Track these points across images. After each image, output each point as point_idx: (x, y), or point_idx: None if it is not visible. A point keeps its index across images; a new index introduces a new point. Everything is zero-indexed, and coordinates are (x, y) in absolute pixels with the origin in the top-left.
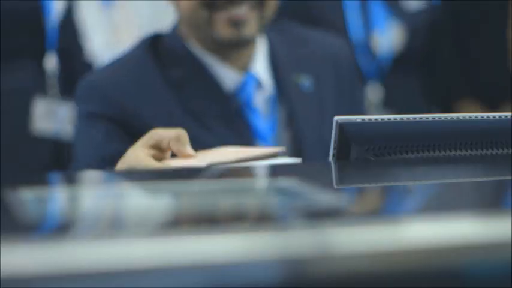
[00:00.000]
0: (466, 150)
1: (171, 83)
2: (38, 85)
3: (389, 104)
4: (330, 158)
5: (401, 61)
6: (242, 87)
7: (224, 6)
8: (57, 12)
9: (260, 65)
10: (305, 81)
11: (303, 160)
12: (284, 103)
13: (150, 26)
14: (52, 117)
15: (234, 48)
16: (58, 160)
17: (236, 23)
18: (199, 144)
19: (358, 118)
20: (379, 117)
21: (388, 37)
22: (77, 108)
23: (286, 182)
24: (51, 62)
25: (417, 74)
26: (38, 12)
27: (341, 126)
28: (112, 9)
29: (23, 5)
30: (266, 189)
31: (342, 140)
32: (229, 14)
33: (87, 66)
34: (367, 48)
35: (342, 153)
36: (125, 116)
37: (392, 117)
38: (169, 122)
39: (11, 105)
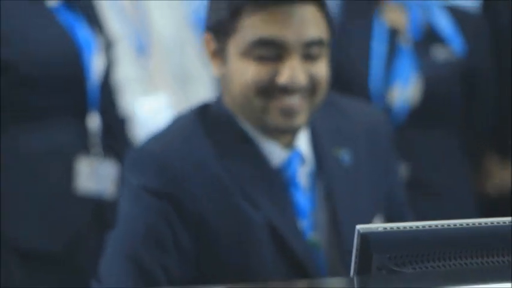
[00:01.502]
0: (493, 257)
1: (220, 157)
2: (81, 144)
3: (405, 157)
4: (352, 272)
5: (421, 113)
6: (288, 163)
7: (278, 95)
8: (97, 70)
9: (303, 140)
10: (344, 155)
11: (339, 239)
12: (323, 178)
13: (183, 73)
14: (95, 176)
15: (284, 133)
16: (101, 219)
17: (289, 113)
18: (246, 221)
19: (379, 227)
20: (401, 225)
21: (408, 89)
22: (126, 178)
23: None
24: (93, 121)
25: (440, 126)
26: (79, 70)
27: (363, 236)
28: (146, 58)
29: (64, 63)
30: None
31: (363, 249)
32: (283, 103)
33: (126, 122)
34: (384, 100)
35: (363, 262)
36: (176, 191)
37: (414, 224)
38: (219, 198)
39: (54, 164)
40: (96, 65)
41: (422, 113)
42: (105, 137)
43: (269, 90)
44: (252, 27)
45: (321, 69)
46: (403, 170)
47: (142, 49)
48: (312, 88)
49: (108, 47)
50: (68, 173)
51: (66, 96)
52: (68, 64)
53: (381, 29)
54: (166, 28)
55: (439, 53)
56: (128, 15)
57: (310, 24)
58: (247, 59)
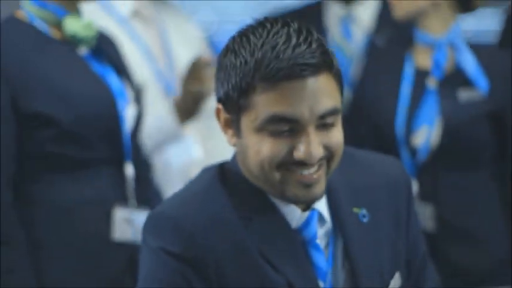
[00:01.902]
0: None
1: (240, 219)
2: (117, 193)
3: (426, 198)
4: None
5: (449, 154)
6: (306, 224)
7: (296, 169)
8: (130, 119)
9: (321, 200)
10: (363, 214)
11: None
12: (342, 237)
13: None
14: (130, 225)
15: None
16: (136, 268)
17: (308, 184)
18: (267, 283)
19: None
20: None
21: (433, 130)
22: (146, 241)
23: None
24: (128, 171)
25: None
26: (115, 120)
27: None
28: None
29: (102, 113)
30: None
31: None
32: (301, 176)
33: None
34: (407, 143)
35: None
36: (196, 254)
37: None
38: (239, 260)
39: (91, 214)
40: (129, 114)
41: (450, 154)
42: (138, 186)
43: (286, 164)
44: (265, 105)
45: (336, 136)
46: (430, 213)
47: (170, 89)
48: (328, 156)
49: (138, 94)
50: (104, 222)
51: (103, 146)
52: (105, 114)
53: (409, 71)
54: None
55: (465, 93)
56: (155, 56)
57: (324, 96)
58: (261, 134)
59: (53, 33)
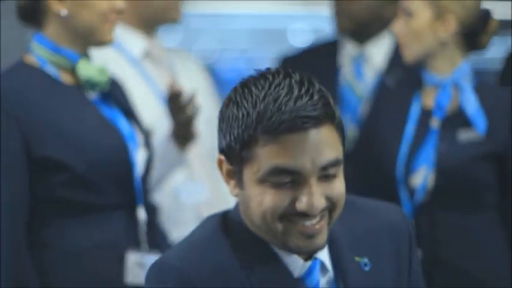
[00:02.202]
0: None
1: (243, 268)
2: (129, 238)
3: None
4: None
5: (440, 196)
6: (309, 273)
7: (298, 220)
8: (140, 163)
9: (323, 249)
10: (364, 262)
11: None
12: (344, 285)
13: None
14: (143, 269)
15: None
16: None
17: (310, 235)
18: None
19: None
20: None
21: (430, 172)
22: None
23: None
24: (141, 215)
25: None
26: (127, 164)
27: None
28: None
29: (114, 158)
30: None
31: None
32: (304, 227)
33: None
34: (406, 183)
35: None
36: None
37: None
38: None
39: (103, 258)
40: (139, 158)
41: (448, 195)
42: (149, 230)
43: (288, 215)
44: (267, 157)
45: (338, 186)
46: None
47: None
48: (330, 207)
49: (147, 138)
50: (116, 266)
51: (115, 191)
52: (117, 160)
53: (415, 111)
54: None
55: (465, 134)
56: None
57: (325, 147)
58: (264, 185)
59: (63, 77)
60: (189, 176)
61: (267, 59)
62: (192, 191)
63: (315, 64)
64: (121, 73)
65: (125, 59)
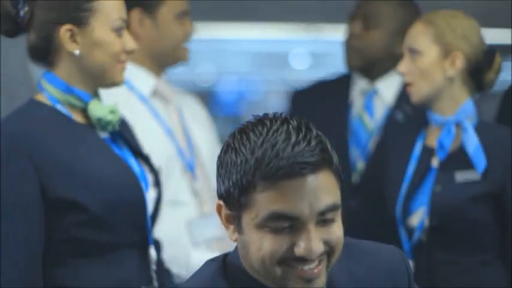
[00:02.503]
0: None
1: None
2: (141, 277)
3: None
4: None
5: (437, 236)
6: None
7: (297, 264)
8: (151, 204)
9: None
10: None
11: None
12: None
13: None
14: None
15: None
16: None
17: (309, 279)
18: None
19: None
20: None
21: (427, 212)
22: None
23: None
24: (152, 254)
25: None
26: (141, 204)
27: None
28: (194, 178)
29: (129, 197)
30: None
31: None
32: (302, 272)
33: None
34: (404, 222)
35: None
36: None
37: None
38: None
39: None
40: (150, 197)
41: (445, 235)
42: (159, 269)
43: (287, 260)
44: (265, 202)
45: (336, 231)
46: None
47: (190, 168)
48: (329, 251)
49: (156, 177)
50: None
51: (128, 230)
52: (131, 199)
53: (418, 150)
54: (205, 149)
55: (463, 174)
56: (175, 135)
57: (323, 193)
58: (262, 231)
59: (75, 117)
60: (200, 211)
61: (267, 82)
62: (204, 227)
63: (326, 99)
64: (132, 111)
65: (135, 97)
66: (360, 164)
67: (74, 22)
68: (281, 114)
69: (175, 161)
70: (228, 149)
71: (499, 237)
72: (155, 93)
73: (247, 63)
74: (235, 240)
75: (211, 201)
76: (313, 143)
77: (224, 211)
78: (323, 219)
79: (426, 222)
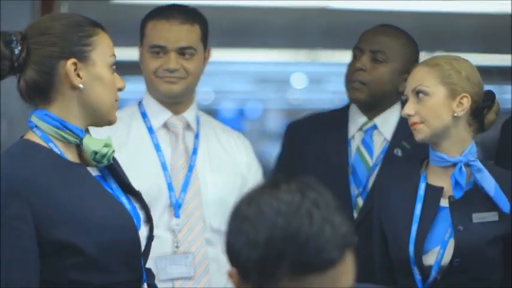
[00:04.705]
0: None
1: None
2: None
3: None
4: None
5: (452, 276)
6: None
7: None
8: (143, 242)
9: None
10: None
11: None
12: None
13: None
14: None
15: None
16: None
17: None
18: None
19: None
20: None
21: (443, 252)
22: None
23: None
24: None
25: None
26: (136, 242)
27: None
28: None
29: (122, 239)
30: None
31: None
32: None
33: None
34: (419, 263)
35: None
36: None
37: None
38: None
39: None
40: (142, 235)
41: (460, 275)
42: None
43: None
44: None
45: None
46: None
47: (175, 205)
48: None
49: (147, 214)
50: None
51: (124, 270)
52: (127, 239)
53: (423, 189)
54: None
55: (479, 214)
56: (169, 171)
57: (346, 278)
58: None
59: (67, 155)
60: (173, 249)
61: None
62: (171, 265)
63: (324, 133)
64: (138, 141)
65: (145, 126)
66: (359, 201)
67: (77, 56)
68: (292, 180)
69: (162, 196)
70: (244, 220)
71: (506, 279)
72: (164, 125)
73: (250, 83)
74: None
75: (187, 240)
76: (337, 229)
77: (236, 279)
78: None
79: (443, 262)
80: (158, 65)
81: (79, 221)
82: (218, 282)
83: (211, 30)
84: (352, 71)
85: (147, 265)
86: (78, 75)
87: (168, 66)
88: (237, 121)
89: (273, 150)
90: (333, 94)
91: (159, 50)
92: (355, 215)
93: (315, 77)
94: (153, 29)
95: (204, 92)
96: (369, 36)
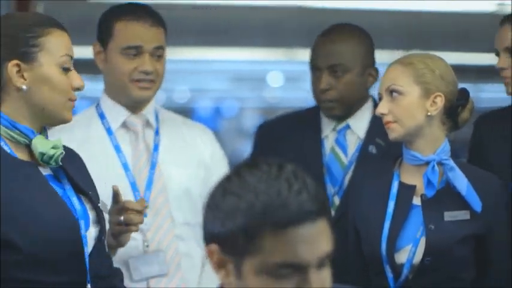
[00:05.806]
0: None
1: None
2: None
3: None
4: None
5: (424, 274)
6: None
7: None
8: (91, 243)
9: None
10: None
11: None
12: None
13: None
14: None
15: None
16: None
17: None
18: None
19: None
20: None
21: (415, 250)
22: None
23: None
24: None
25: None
26: (79, 243)
27: None
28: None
29: (66, 237)
30: None
31: None
32: None
33: None
34: (390, 261)
35: None
36: None
37: None
38: None
39: None
40: (90, 236)
41: (431, 273)
42: None
43: None
44: (272, 251)
45: (328, 277)
46: None
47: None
48: None
49: (99, 215)
50: None
51: (67, 270)
52: (69, 239)
53: (396, 188)
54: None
55: (451, 213)
56: (131, 171)
57: (324, 240)
58: (265, 277)
59: (18, 154)
60: (143, 249)
61: (244, 99)
62: (143, 265)
63: (296, 133)
64: (97, 144)
65: (103, 128)
66: (336, 200)
67: (22, 58)
68: (272, 159)
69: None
70: (225, 193)
71: (474, 277)
72: (123, 125)
73: (227, 82)
74: (229, 285)
75: (156, 238)
76: (312, 191)
77: (218, 255)
78: (320, 264)
79: (415, 260)
80: (133, 68)
81: (15, 217)
82: (191, 278)
83: (188, 28)
84: (318, 92)
85: (116, 265)
86: (23, 77)
87: (145, 68)
88: (213, 119)
89: (250, 148)
90: (309, 92)
91: (134, 52)
92: (332, 213)
93: (292, 76)
94: (124, 29)
95: (180, 90)
96: (322, 50)
